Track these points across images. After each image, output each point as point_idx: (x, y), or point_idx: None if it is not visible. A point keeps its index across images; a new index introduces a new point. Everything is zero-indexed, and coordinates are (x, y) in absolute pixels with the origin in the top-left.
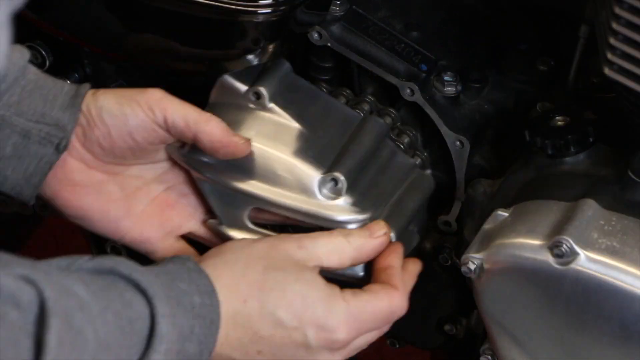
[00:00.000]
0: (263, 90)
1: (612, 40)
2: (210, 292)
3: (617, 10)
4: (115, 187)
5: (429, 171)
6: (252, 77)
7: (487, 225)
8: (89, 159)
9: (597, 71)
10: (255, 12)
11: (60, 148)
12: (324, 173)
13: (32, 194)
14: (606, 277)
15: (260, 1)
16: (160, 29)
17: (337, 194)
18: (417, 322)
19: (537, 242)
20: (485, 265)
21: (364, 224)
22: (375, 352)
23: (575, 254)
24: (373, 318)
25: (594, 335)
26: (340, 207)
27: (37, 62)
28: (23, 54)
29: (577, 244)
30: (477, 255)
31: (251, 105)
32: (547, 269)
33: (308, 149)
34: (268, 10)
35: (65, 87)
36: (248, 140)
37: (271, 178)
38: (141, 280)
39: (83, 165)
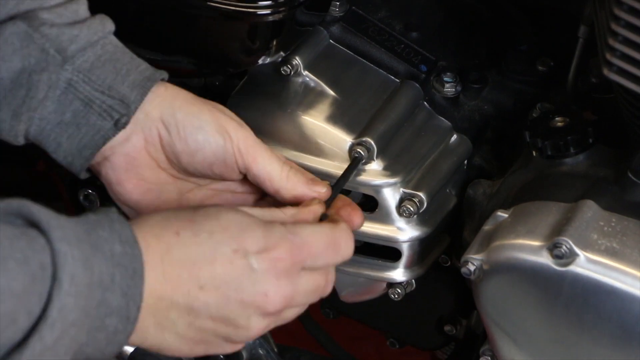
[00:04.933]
0: (297, 59)
1: (611, 42)
2: (132, 242)
3: (617, 11)
4: (174, 189)
5: None
6: (290, 45)
7: (486, 226)
8: (163, 160)
9: (596, 72)
10: (254, 13)
11: (119, 125)
12: (355, 138)
13: (83, 167)
14: (606, 278)
15: (260, 2)
16: (162, 30)
17: (368, 158)
18: (417, 322)
19: (536, 243)
20: (485, 266)
21: (395, 187)
22: (375, 352)
23: (574, 255)
24: (315, 242)
25: (593, 336)
26: (371, 171)
27: None
28: (105, 24)
29: (576, 245)
30: (477, 256)
31: (287, 74)
32: (547, 270)
33: (341, 115)
34: (267, 11)
35: (142, 65)
36: (329, 187)
37: (305, 144)
38: (42, 221)
39: (154, 163)
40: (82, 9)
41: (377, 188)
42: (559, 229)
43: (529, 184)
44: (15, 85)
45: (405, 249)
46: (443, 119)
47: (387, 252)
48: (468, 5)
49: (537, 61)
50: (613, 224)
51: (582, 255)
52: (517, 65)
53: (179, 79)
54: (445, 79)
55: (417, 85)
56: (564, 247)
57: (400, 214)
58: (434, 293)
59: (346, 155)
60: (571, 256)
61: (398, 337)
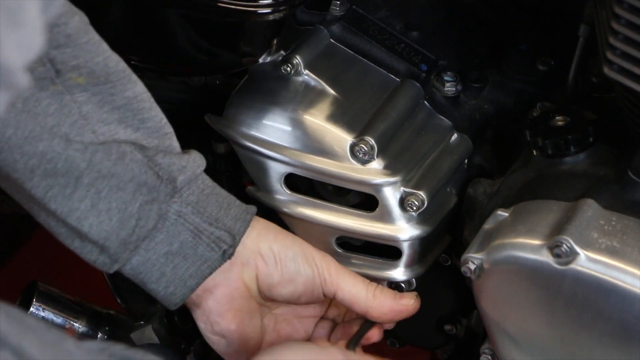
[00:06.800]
0: (298, 58)
1: (612, 40)
2: None
3: (617, 10)
4: (257, 315)
5: None
6: (290, 44)
7: (487, 225)
8: (254, 289)
9: (597, 71)
10: (255, 12)
11: (226, 255)
12: (356, 137)
13: (185, 296)
14: (606, 277)
15: (261, 1)
16: (162, 29)
17: (369, 157)
18: (417, 321)
19: (537, 242)
20: (485, 265)
21: (395, 186)
22: (376, 352)
23: (575, 254)
24: None
25: (594, 335)
26: (372, 170)
27: None
28: (201, 159)
29: (577, 243)
30: (477, 255)
31: (287, 73)
32: (547, 269)
33: (341, 114)
34: (268, 10)
35: (237, 200)
36: (417, 298)
37: (305, 143)
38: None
39: (248, 293)
40: (175, 144)
41: (378, 187)
42: (559, 228)
43: (529, 183)
44: (125, 216)
45: (405, 247)
46: (443, 118)
47: (388, 251)
48: (468, 4)
49: (537, 60)
50: (613, 223)
51: (582, 254)
52: (517, 64)
53: (179, 78)
54: (446, 78)
55: (418, 84)
56: (565, 245)
57: (404, 209)
58: (434, 292)
59: (346, 154)
60: (571, 255)
61: (398, 336)
